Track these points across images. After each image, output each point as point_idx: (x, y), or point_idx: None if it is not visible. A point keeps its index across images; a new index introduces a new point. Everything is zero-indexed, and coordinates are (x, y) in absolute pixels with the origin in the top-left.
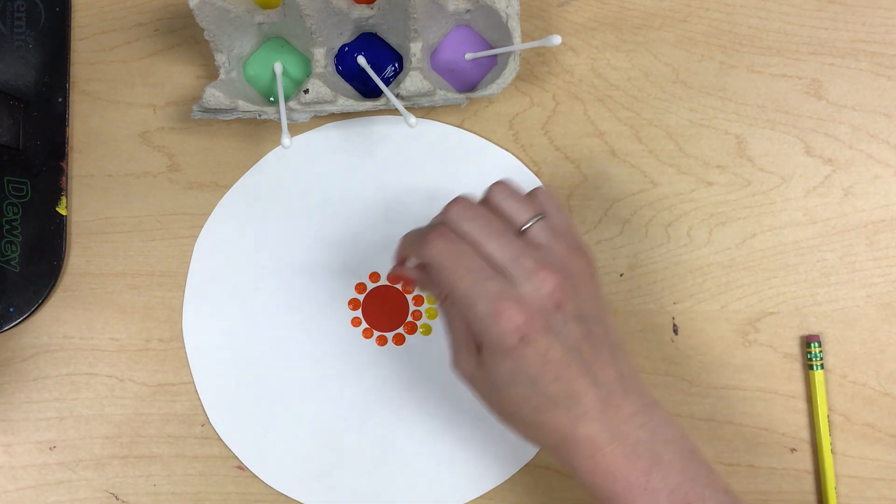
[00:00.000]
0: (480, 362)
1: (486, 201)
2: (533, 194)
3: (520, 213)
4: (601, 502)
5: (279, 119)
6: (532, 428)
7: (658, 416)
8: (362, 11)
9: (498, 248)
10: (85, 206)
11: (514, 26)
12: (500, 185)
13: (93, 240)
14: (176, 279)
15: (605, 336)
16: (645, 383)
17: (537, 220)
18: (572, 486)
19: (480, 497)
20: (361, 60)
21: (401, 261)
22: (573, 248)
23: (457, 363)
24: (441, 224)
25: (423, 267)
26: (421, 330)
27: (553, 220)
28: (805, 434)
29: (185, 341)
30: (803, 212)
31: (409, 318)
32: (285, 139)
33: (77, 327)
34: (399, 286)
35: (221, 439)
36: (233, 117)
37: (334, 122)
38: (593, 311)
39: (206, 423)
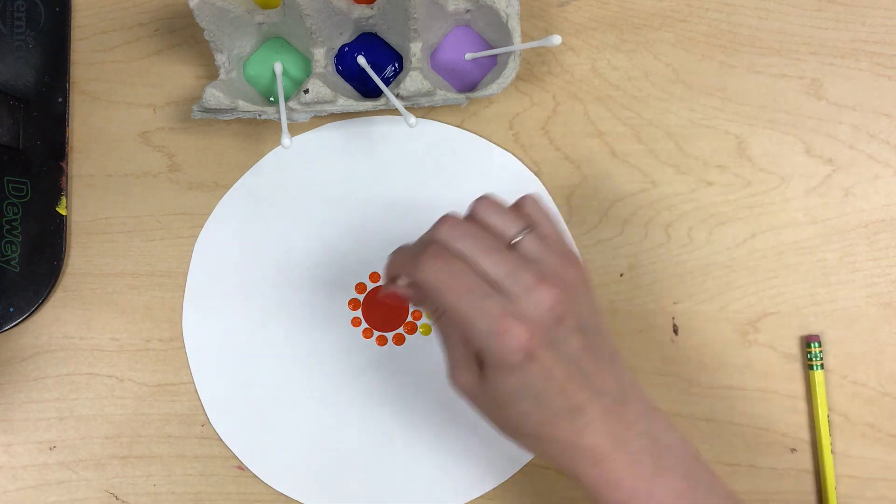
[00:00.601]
0: (482, 378)
1: (473, 217)
2: (520, 204)
3: (509, 227)
4: None
5: (279, 119)
6: (536, 441)
7: (659, 422)
8: (362, 11)
9: (493, 264)
10: (85, 206)
11: (514, 26)
12: (485, 200)
13: (93, 240)
14: (176, 279)
15: (603, 345)
16: (643, 388)
17: (527, 234)
18: (572, 486)
19: (480, 497)
20: (361, 60)
21: (391, 279)
22: (566, 257)
23: (455, 379)
24: (433, 243)
25: (415, 285)
26: (421, 330)
27: (542, 229)
28: (805, 434)
29: (185, 341)
30: (803, 212)
31: (409, 318)
32: (285, 139)
33: (77, 327)
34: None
35: (221, 439)
36: (233, 117)
37: (334, 122)
38: (591, 320)
39: (206, 423)
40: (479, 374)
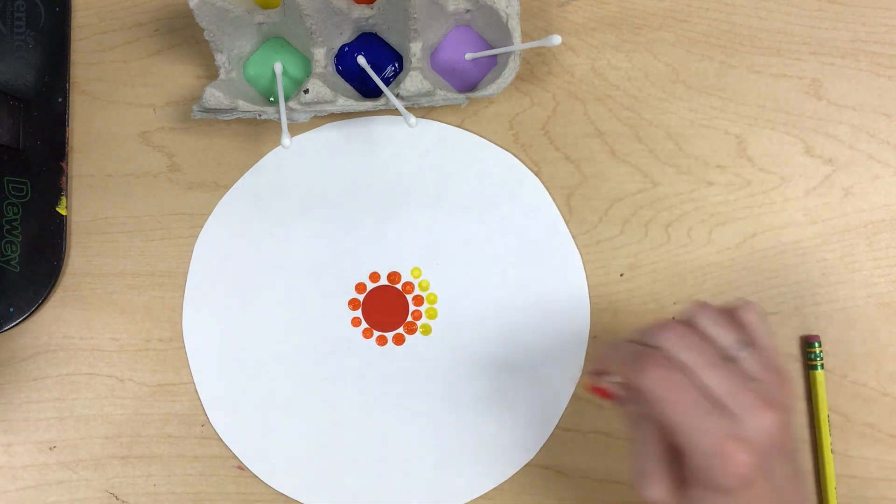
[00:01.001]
0: (682, 496)
1: (695, 326)
2: (737, 313)
3: (730, 340)
4: None
5: (279, 119)
6: None
7: None
8: (362, 11)
9: (716, 380)
10: (85, 206)
11: (514, 26)
12: (708, 310)
13: (93, 240)
14: (176, 279)
15: (801, 469)
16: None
17: (748, 349)
18: (572, 486)
19: (480, 497)
20: (361, 60)
21: (601, 372)
22: (782, 377)
23: (646, 488)
24: (658, 352)
25: (629, 387)
26: (421, 330)
27: (761, 343)
28: (805, 434)
29: (185, 341)
30: (803, 212)
31: (409, 318)
32: (285, 139)
33: (77, 327)
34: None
35: (221, 439)
36: (233, 117)
37: (334, 122)
38: (792, 440)
39: (206, 423)
40: (676, 489)
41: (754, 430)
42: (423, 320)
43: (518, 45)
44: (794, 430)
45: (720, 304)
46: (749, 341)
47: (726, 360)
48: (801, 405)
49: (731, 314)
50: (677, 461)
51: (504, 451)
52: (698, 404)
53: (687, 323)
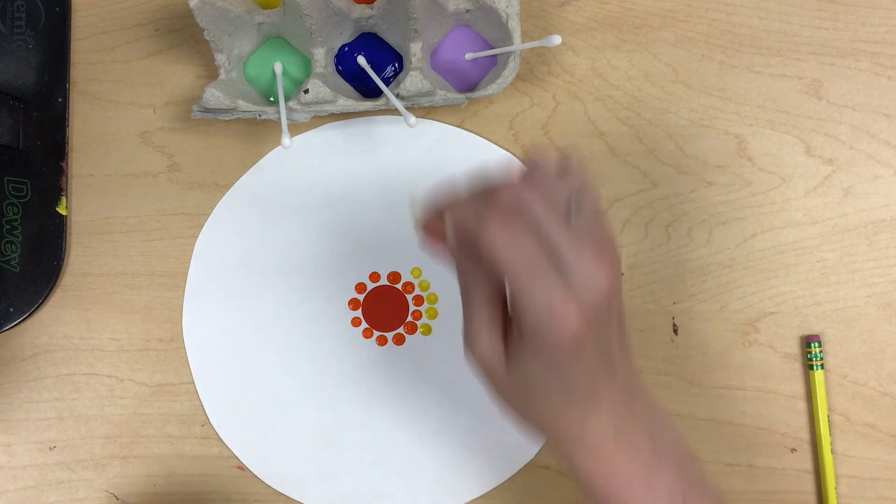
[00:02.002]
0: (510, 352)
1: (531, 176)
2: (567, 168)
3: (564, 190)
4: (597, 501)
5: (279, 119)
6: (540, 422)
7: (660, 418)
8: (362, 11)
9: (555, 235)
10: (85, 206)
11: (514, 26)
12: (542, 158)
13: (93, 240)
14: (176, 279)
15: (626, 335)
16: (644, 383)
17: (582, 198)
18: (572, 486)
19: (480, 497)
20: (361, 60)
21: (436, 216)
22: (610, 229)
23: (473, 346)
24: (500, 206)
25: (462, 232)
26: (421, 330)
27: (591, 195)
28: (805, 434)
29: (185, 341)
30: (803, 212)
31: (409, 318)
32: (285, 139)
33: (77, 327)
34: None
35: (221, 439)
36: (233, 117)
37: (334, 122)
38: (622, 305)
39: (206, 423)
40: (504, 348)
41: (589, 289)
42: (423, 320)
43: (518, 45)
44: (622, 293)
45: (555, 156)
46: (579, 192)
47: (563, 215)
48: (801, 405)
49: (562, 162)
50: (508, 327)
51: (504, 451)
52: (537, 261)
53: (528, 178)
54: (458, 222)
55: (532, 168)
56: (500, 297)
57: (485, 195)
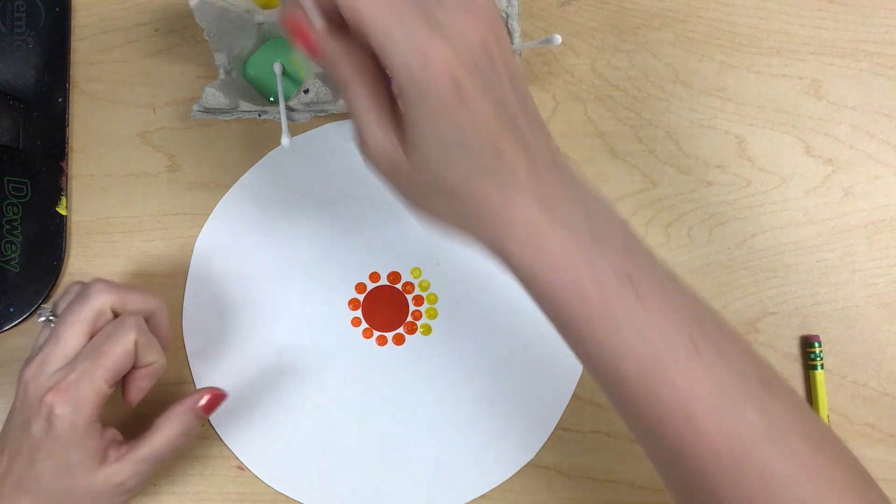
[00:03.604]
0: (403, 128)
1: None
2: None
3: None
4: (541, 293)
5: (279, 119)
6: (460, 206)
7: (591, 193)
8: None
9: None
10: (85, 206)
11: (514, 26)
12: None
13: (93, 240)
14: (176, 279)
15: (533, 103)
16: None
17: None
18: (572, 486)
19: (480, 497)
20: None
21: (296, 2)
22: None
23: (366, 140)
24: None
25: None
26: (421, 330)
27: None
28: None
29: (185, 341)
30: (803, 212)
31: (409, 318)
32: (285, 139)
33: None
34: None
35: (221, 439)
36: (233, 117)
37: (334, 122)
38: (518, 72)
39: (206, 423)
40: (398, 136)
41: (458, 33)
42: (423, 320)
43: (518, 44)
44: (508, 44)
45: None
46: None
47: None
48: None
49: None
50: (399, 115)
51: (504, 451)
52: (400, 9)
53: None
54: None
55: None
56: (385, 82)
57: None
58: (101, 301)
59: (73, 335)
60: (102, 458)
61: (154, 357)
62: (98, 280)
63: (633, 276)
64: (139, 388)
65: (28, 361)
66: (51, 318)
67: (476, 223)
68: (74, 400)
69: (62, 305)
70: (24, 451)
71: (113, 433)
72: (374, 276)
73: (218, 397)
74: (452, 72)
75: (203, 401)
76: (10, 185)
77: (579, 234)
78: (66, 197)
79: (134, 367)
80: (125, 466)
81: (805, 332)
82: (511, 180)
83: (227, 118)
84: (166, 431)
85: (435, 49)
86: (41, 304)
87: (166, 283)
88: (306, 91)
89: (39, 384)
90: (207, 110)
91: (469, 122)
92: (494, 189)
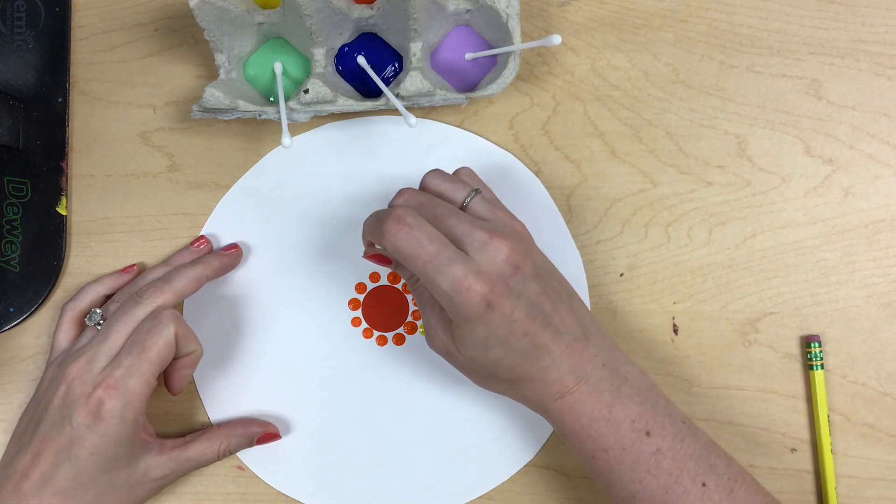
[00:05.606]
0: (454, 336)
1: (426, 187)
2: (458, 173)
3: (457, 193)
4: (570, 436)
5: (279, 119)
6: (508, 384)
7: (617, 356)
8: (362, 11)
9: (450, 226)
10: (85, 206)
11: (514, 26)
12: (434, 172)
13: (93, 240)
14: None
15: (560, 287)
16: (604, 327)
17: (475, 196)
18: (572, 486)
19: (480, 497)
20: (361, 60)
21: (369, 244)
22: (510, 215)
23: (432, 341)
24: (393, 211)
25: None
26: (421, 330)
27: (485, 193)
28: (805, 434)
29: None
30: (803, 212)
31: (409, 318)
32: (285, 139)
33: None
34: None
35: None
36: (233, 117)
37: (334, 122)
38: (545, 266)
39: (207, 423)
40: (451, 333)
41: (488, 259)
42: None
43: (518, 45)
44: (537, 254)
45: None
46: (474, 189)
47: (457, 209)
48: (801, 405)
49: (453, 175)
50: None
51: (504, 451)
52: (438, 253)
53: (422, 184)
54: (374, 238)
55: (424, 178)
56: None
57: (384, 209)
58: (170, 331)
59: (122, 337)
60: (146, 451)
61: (194, 346)
62: (168, 308)
63: (651, 430)
64: (182, 376)
65: (68, 360)
66: (100, 322)
67: (521, 391)
68: (124, 395)
69: (112, 308)
70: (57, 448)
71: (149, 427)
72: (374, 276)
73: (273, 437)
74: (487, 298)
75: (261, 433)
76: (10, 185)
77: (601, 390)
78: (66, 197)
79: (175, 358)
80: (168, 463)
81: (805, 332)
82: (546, 358)
83: (226, 118)
84: (217, 443)
85: (469, 285)
86: (41, 303)
87: None
88: (306, 91)
89: (87, 381)
90: (207, 110)
91: (505, 326)
92: (533, 367)
